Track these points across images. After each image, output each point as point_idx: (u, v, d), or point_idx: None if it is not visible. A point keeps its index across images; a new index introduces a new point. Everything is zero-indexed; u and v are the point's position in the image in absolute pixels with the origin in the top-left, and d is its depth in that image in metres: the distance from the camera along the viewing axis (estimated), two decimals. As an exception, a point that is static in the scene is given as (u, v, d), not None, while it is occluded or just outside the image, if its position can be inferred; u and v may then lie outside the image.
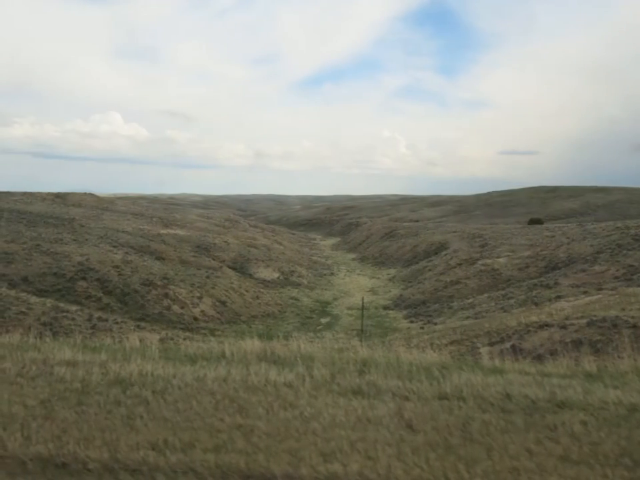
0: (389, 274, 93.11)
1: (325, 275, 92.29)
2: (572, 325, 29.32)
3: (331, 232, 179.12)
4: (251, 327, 52.83)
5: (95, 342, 11.44)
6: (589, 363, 9.46)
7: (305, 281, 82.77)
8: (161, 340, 39.29)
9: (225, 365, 8.86)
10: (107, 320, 45.10)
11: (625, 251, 62.31)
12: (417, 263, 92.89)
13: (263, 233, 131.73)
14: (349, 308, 65.61)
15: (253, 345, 10.14)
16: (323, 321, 59.48)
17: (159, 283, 57.89)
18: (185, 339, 41.50)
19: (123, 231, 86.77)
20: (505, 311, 48.16)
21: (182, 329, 49.88)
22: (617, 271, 55.63)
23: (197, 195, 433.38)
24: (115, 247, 71.52)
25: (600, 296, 43.79)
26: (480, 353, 28.55)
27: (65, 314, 43.37)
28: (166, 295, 55.84)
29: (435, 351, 11.58)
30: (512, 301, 52.91)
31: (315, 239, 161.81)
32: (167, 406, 6.88)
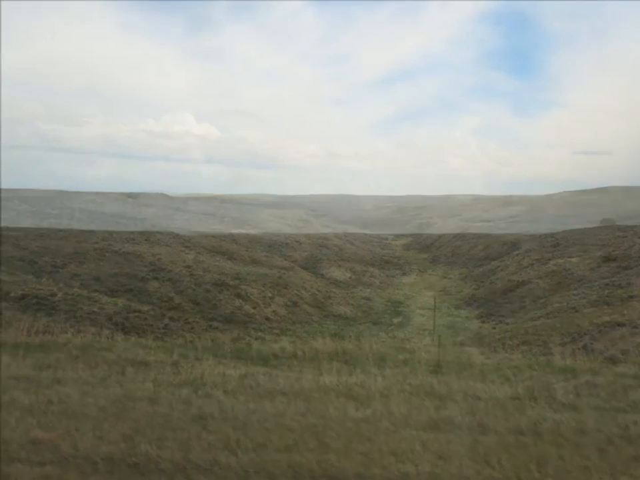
0: (460, 274, 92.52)
1: (396, 274, 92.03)
2: (644, 325, 28.89)
3: (403, 232, 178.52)
4: (322, 327, 52.75)
5: (166, 342, 11.53)
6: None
7: (377, 281, 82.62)
8: (233, 340, 39.47)
9: (296, 364, 8.89)
10: (178, 320, 45.35)
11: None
12: (489, 262, 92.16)
13: (334, 232, 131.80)
14: (421, 308, 65.32)
15: (324, 344, 10.16)
16: (395, 320, 59.23)
17: (230, 282, 58.16)
18: (256, 339, 41.59)
19: (195, 231, 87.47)
20: (576, 311, 47.53)
21: (253, 328, 49.96)
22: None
23: (269, 195, 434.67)
24: (186, 246, 72.20)
25: (673, 295, 43.12)
26: (552, 353, 28.26)
27: (136, 314, 43.65)
28: (238, 295, 56.04)
29: (506, 351, 11.52)
30: (584, 301, 52.17)
31: (386, 239, 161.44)
32: (239, 406, 6.91)
